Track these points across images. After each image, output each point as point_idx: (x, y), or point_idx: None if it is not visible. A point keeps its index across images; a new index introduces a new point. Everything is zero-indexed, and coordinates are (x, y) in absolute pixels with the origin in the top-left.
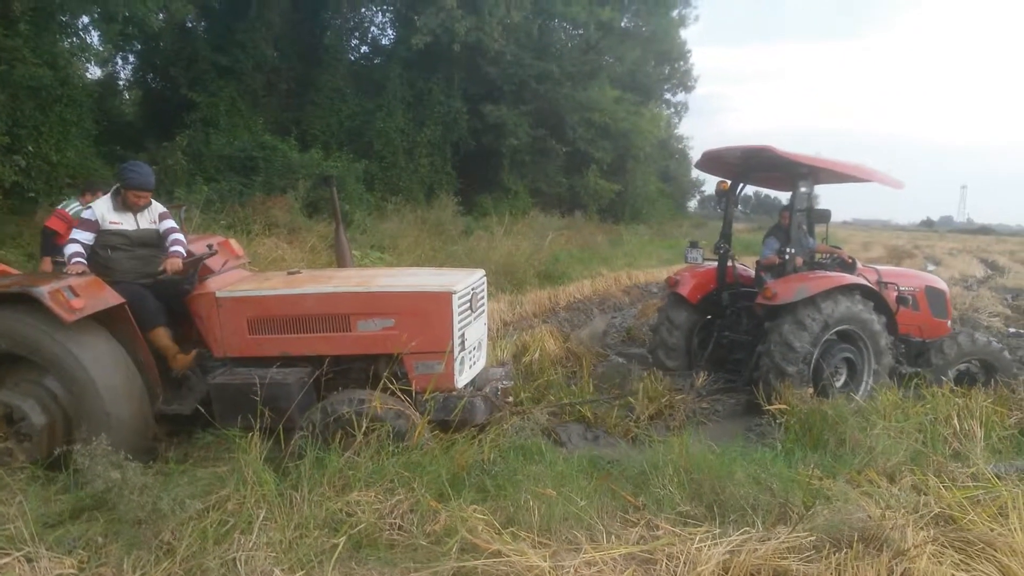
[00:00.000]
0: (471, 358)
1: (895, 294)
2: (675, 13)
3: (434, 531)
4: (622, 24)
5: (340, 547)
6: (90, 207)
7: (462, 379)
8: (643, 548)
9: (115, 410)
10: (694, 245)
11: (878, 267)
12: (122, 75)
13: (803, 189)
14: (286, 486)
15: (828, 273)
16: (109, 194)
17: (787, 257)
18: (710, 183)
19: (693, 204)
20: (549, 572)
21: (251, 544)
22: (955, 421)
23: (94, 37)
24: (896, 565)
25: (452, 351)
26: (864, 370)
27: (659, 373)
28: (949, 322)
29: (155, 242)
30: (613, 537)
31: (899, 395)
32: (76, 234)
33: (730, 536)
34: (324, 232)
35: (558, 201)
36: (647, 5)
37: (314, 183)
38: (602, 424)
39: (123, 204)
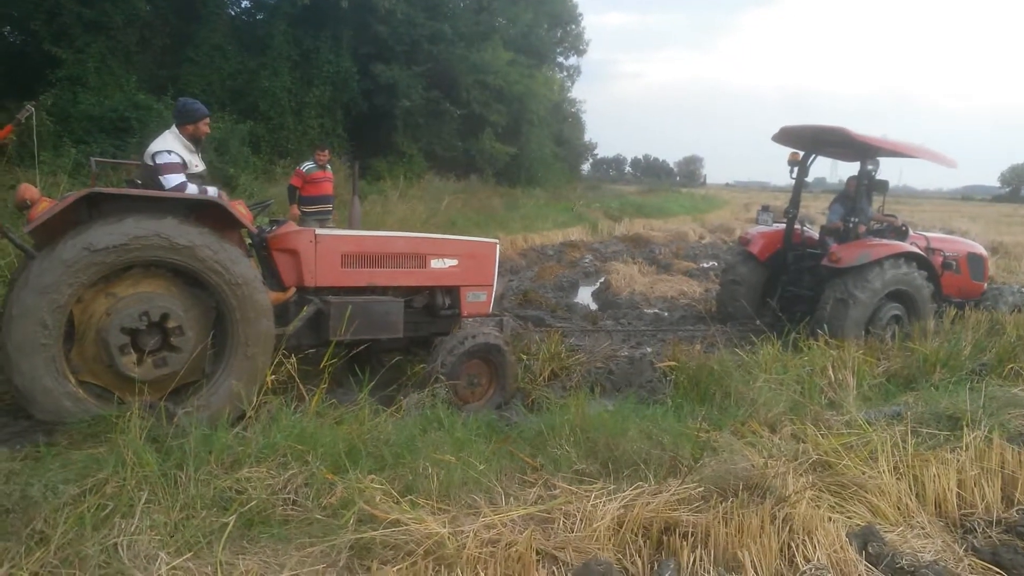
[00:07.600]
0: None
1: (941, 259)
2: None
3: (330, 504)
4: None
5: (230, 526)
6: (169, 150)
7: (491, 306)
8: (541, 508)
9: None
10: (765, 209)
11: (927, 234)
12: None
13: (869, 166)
14: (169, 466)
15: (885, 241)
16: (174, 135)
17: (851, 225)
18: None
19: (586, 168)
20: (448, 538)
21: (133, 528)
22: (830, 372)
23: None
24: (779, 511)
25: (494, 285)
26: (911, 326)
27: (557, 335)
28: (985, 284)
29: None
30: (512, 499)
31: (778, 348)
32: (174, 171)
33: (624, 491)
34: None
35: (453, 164)
36: None
37: None
38: None
39: (192, 143)
